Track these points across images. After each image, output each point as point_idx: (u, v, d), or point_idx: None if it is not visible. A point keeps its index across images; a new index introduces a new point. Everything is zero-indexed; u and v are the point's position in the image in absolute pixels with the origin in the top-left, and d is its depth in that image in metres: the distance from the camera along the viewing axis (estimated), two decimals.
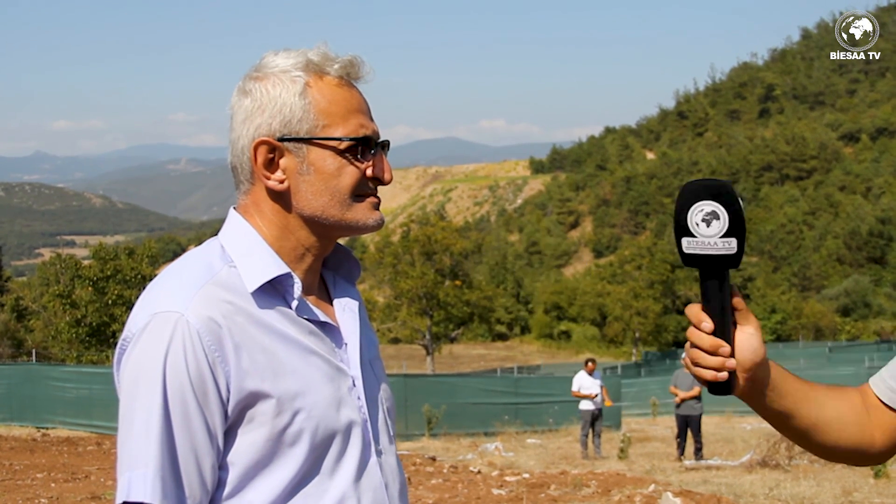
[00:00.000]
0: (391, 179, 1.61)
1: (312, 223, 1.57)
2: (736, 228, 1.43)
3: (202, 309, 1.43)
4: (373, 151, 1.58)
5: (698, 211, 1.43)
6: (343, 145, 1.54)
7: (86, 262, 35.91)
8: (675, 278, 69.30)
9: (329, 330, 1.59)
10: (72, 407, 20.65)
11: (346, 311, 1.66)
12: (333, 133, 1.54)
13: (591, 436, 17.07)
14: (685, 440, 16.01)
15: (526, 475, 12.43)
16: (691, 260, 1.47)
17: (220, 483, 1.45)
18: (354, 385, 1.58)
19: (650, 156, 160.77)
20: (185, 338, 1.41)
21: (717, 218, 1.42)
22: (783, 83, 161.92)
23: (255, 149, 1.53)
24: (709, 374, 1.48)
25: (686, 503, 9.43)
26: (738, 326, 1.52)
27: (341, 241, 1.68)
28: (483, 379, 26.27)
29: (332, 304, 1.66)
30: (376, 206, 1.60)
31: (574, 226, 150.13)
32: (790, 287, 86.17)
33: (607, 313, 66.11)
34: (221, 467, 1.45)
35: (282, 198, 1.56)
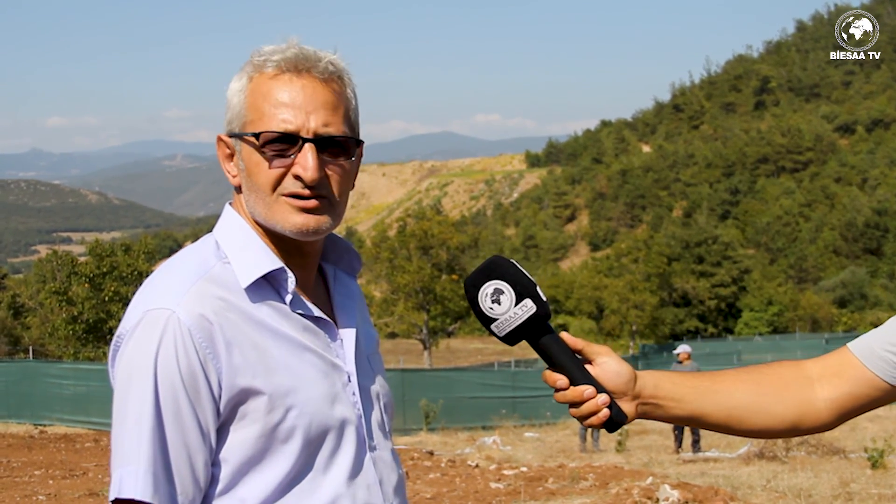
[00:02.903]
0: (314, 178, 1.49)
1: (260, 221, 1.56)
2: (523, 289, 1.50)
3: (193, 306, 1.43)
4: (299, 148, 1.50)
5: (485, 296, 1.51)
6: (259, 141, 1.51)
7: (82, 259, 35.81)
8: (671, 271, 69.39)
9: (324, 325, 1.58)
10: (69, 404, 20.64)
11: (344, 306, 1.65)
12: (256, 128, 1.51)
13: (589, 429, 17.08)
14: (682, 432, 16.04)
15: (524, 469, 12.45)
16: (510, 338, 1.52)
17: (213, 480, 1.45)
18: (349, 381, 1.58)
19: (646, 149, 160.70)
20: (175, 335, 1.41)
21: (503, 292, 1.50)
22: (778, 75, 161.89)
23: (217, 144, 1.58)
24: (594, 420, 1.52)
25: (684, 495, 9.44)
26: (592, 361, 1.56)
27: (339, 233, 1.68)
28: (480, 373, 26.25)
29: (330, 299, 1.66)
30: (304, 210, 1.51)
31: (570, 219, 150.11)
32: (787, 279, 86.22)
33: (604, 306, 66.07)
34: (214, 464, 1.45)
35: (243, 193, 1.58)
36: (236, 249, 1.53)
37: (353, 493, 1.52)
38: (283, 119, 1.50)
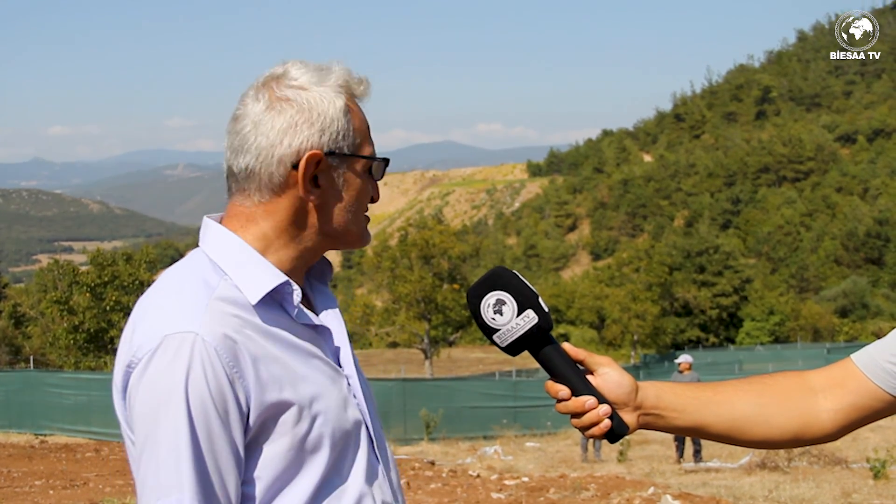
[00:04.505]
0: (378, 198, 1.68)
1: (328, 237, 1.58)
2: (525, 300, 1.52)
3: (215, 326, 1.42)
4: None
5: (487, 307, 1.53)
6: (376, 164, 1.60)
7: (83, 269, 35.88)
8: (672, 280, 69.32)
9: (322, 332, 1.60)
10: (70, 413, 20.62)
11: (328, 313, 1.66)
12: (364, 152, 1.58)
13: (591, 439, 17.04)
14: (684, 442, 16.01)
15: (525, 479, 12.43)
16: (512, 349, 1.54)
17: (248, 497, 1.45)
18: (349, 384, 1.60)
19: (647, 158, 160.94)
20: (203, 358, 1.39)
21: (505, 303, 1.52)
22: (779, 85, 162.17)
23: (307, 161, 1.52)
24: (596, 431, 1.54)
25: None
26: (593, 372, 1.57)
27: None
28: (482, 382, 26.24)
29: (313, 307, 1.67)
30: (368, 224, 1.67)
31: (572, 229, 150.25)
32: (788, 288, 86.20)
33: (605, 316, 66.03)
34: (248, 482, 1.45)
35: (304, 211, 1.55)
36: (238, 266, 1.51)
37: (373, 493, 1.55)
38: (373, 144, 1.62)
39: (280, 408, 1.45)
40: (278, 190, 1.53)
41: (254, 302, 1.48)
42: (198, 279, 1.49)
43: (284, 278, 1.52)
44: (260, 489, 1.45)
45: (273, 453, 1.45)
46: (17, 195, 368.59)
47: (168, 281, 1.51)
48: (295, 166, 1.51)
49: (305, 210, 1.55)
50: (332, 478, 1.50)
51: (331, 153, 1.54)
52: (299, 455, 1.46)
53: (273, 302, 1.52)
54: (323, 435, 1.48)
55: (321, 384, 1.52)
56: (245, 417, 1.43)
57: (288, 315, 1.53)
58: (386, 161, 1.63)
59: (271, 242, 1.55)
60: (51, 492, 11.40)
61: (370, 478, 1.56)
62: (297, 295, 1.53)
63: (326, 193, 1.55)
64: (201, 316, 1.42)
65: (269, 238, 1.55)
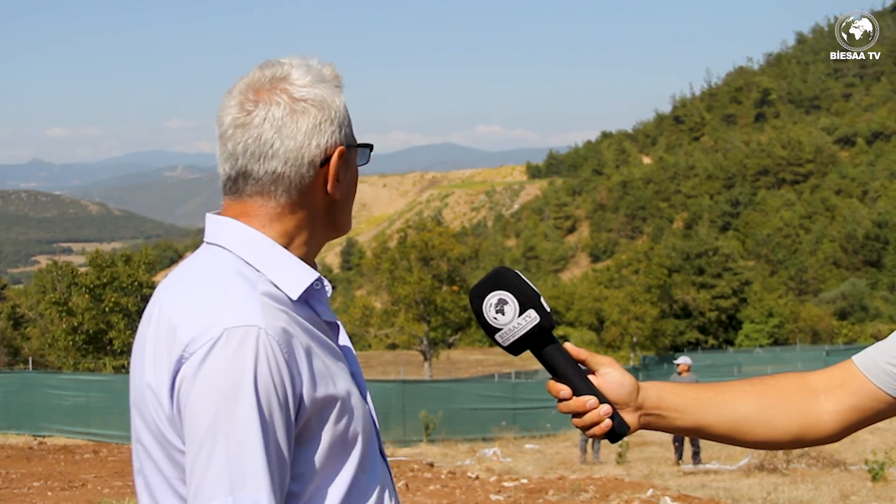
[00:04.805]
0: None
1: (334, 229, 1.60)
2: (527, 300, 1.53)
3: (273, 320, 1.42)
4: None
5: (489, 306, 1.54)
6: (361, 151, 1.63)
7: (82, 270, 35.85)
8: (672, 282, 69.38)
9: (334, 329, 1.61)
10: (69, 415, 20.61)
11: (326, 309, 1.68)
12: (354, 142, 1.62)
13: (590, 440, 17.06)
14: (683, 444, 16.01)
15: (524, 480, 12.43)
16: (514, 348, 1.55)
17: (292, 496, 1.45)
18: (358, 383, 1.62)
19: (647, 160, 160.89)
20: (268, 351, 1.39)
21: (507, 303, 1.53)
22: (779, 87, 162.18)
23: (338, 157, 1.54)
24: (597, 430, 1.55)
25: None
26: (595, 372, 1.58)
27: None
28: (481, 384, 26.23)
29: None
30: None
31: (571, 230, 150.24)
32: (787, 291, 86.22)
33: (605, 318, 66.08)
34: (293, 479, 1.45)
35: (324, 206, 1.57)
36: (271, 263, 1.51)
37: (388, 485, 1.59)
38: None
39: (326, 403, 1.46)
40: (306, 189, 1.53)
41: (294, 298, 1.49)
42: (235, 275, 1.48)
43: (317, 274, 1.54)
44: (303, 485, 1.46)
45: (317, 449, 1.46)
46: (16, 196, 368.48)
47: (203, 276, 1.49)
48: (322, 165, 1.53)
49: (325, 205, 1.57)
50: (360, 473, 1.52)
51: (348, 147, 1.58)
52: (339, 451, 1.48)
53: (301, 298, 1.53)
54: (357, 431, 1.50)
55: (347, 380, 1.53)
56: (298, 411, 1.43)
57: (314, 312, 1.54)
58: (372, 147, 1.66)
59: (293, 239, 1.55)
60: (49, 493, 11.39)
61: (384, 471, 1.59)
62: (329, 290, 1.56)
63: (342, 186, 1.57)
64: (259, 310, 1.42)
65: (291, 235, 1.55)
